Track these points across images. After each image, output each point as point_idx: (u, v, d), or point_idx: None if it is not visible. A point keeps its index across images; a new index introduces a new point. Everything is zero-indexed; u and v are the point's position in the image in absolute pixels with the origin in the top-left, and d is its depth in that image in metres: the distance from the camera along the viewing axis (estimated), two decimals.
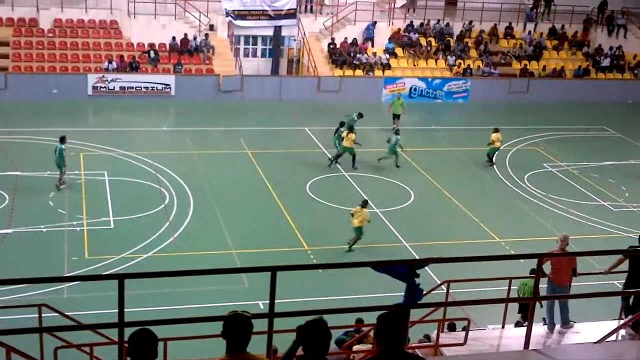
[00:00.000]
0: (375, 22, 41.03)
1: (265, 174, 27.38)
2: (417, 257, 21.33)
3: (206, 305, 17.79)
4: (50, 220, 22.47)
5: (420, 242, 22.84)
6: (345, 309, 8.71)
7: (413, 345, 12.86)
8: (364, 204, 22.32)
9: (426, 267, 16.77)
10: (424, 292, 10.20)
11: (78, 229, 22.09)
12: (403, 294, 9.88)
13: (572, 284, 12.85)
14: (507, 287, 14.54)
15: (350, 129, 28.75)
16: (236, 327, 6.21)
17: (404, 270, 9.86)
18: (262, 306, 17.77)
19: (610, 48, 43.82)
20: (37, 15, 37.79)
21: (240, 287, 18.93)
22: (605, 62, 43.02)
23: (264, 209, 24.67)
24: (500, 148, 29.87)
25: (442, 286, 15.21)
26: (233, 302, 17.81)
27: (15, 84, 34.61)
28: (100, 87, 35.51)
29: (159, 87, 36.31)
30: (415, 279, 9.80)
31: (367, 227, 22.50)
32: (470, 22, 43.13)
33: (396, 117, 34.04)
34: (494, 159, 29.85)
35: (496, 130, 29.63)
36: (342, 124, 28.96)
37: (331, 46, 40.39)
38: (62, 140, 25.20)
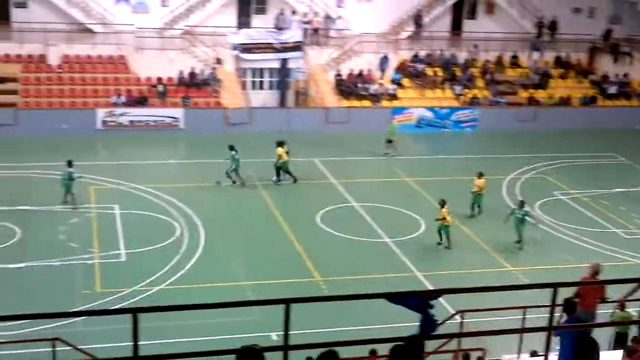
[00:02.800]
0: (386, 56, 41.23)
1: (275, 206, 27.41)
2: (430, 287, 21.27)
3: (219, 337, 17.72)
4: (62, 253, 22.49)
5: (432, 272, 22.77)
6: (359, 341, 8.65)
7: None
8: (443, 203, 24.37)
9: (439, 298, 16.70)
10: (439, 323, 10.17)
11: (89, 262, 22.11)
12: (418, 324, 9.84)
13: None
14: (521, 316, 14.49)
15: (281, 145, 29.76)
16: None
17: (418, 301, 9.85)
18: (275, 337, 17.71)
19: (616, 75, 43.94)
20: (45, 51, 38.13)
21: (253, 319, 18.85)
22: (612, 90, 43.11)
23: (275, 240, 24.67)
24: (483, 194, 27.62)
25: (456, 316, 15.18)
26: (246, 334, 17.74)
27: (25, 119, 34.85)
28: (110, 121, 35.74)
29: (168, 120, 36.52)
30: (429, 309, 9.78)
31: (377, 258, 22.60)
32: (476, 46, 43.37)
33: (389, 142, 34.34)
34: (480, 207, 27.64)
35: (481, 175, 27.35)
36: (231, 148, 29.23)
37: (338, 77, 40.61)
38: (70, 164, 26.17)
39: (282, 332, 7.29)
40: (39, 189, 27.90)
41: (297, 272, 22.29)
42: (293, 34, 40.30)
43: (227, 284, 21.23)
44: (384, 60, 41.16)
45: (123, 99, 36.52)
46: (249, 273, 22.03)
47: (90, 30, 40.39)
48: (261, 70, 40.90)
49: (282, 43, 40.12)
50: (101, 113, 35.77)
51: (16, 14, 40.37)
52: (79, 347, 13.58)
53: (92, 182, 28.66)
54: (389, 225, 26.20)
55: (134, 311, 7.03)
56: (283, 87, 40.58)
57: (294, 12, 41.73)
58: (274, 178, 29.85)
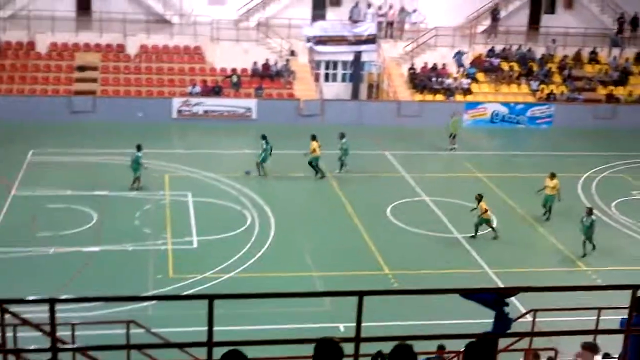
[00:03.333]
0: (460, 52, 40.77)
1: (345, 197, 27.42)
2: (500, 285, 21.00)
3: (288, 326, 17.83)
4: (136, 239, 22.98)
5: (503, 269, 22.42)
6: (432, 336, 8.59)
7: None
8: (480, 198, 24.38)
9: (514, 296, 16.46)
10: (513, 320, 10.03)
11: (162, 247, 22.51)
12: (492, 321, 9.73)
13: None
14: (595, 317, 14.14)
15: (314, 138, 29.32)
16: (328, 353, 6.22)
17: (493, 298, 9.73)
18: (342, 329, 17.74)
19: None
20: (124, 40, 38.93)
21: (321, 309, 18.91)
22: None
23: (345, 232, 24.68)
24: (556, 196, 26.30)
25: (527, 315, 14.92)
26: (314, 324, 17.88)
27: (103, 107, 35.68)
28: (184, 110, 36.30)
29: (241, 110, 36.88)
30: (504, 307, 9.67)
31: (448, 253, 22.48)
32: (554, 41, 42.55)
33: (452, 136, 34.13)
34: (551, 209, 26.35)
35: (553, 176, 26.09)
36: (263, 137, 29.61)
37: (411, 71, 40.35)
38: (139, 148, 26.87)
39: (350, 324, 7.30)
40: (115, 175, 28.51)
41: (366, 265, 22.26)
42: (367, 27, 40.21)
43: (297, 274, 21.34)
44: (460, 55, 40.66)
45: (198, 88, 37.04)
46: (319, 263, 22.10)
47: (167, 21, 41.11)
48: (334, 62, 40.94)
49: (356, 36, 40.09)
50: (176, 102, 36.35)
51: (96, 4, 41.35)
52: (152, 330, 13.81)
53: (166, 169, 29.20)
54: (460, 220, 25.91)
55: (210, 297, 7.12)
56: (356, 80, 40.54)
57: (369, 5, 41.61)
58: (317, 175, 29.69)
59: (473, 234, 24.56)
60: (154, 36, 39.32)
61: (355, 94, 40.40)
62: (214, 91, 37.19)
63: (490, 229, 24.70)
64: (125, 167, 28.47)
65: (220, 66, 38.99)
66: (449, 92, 39.35)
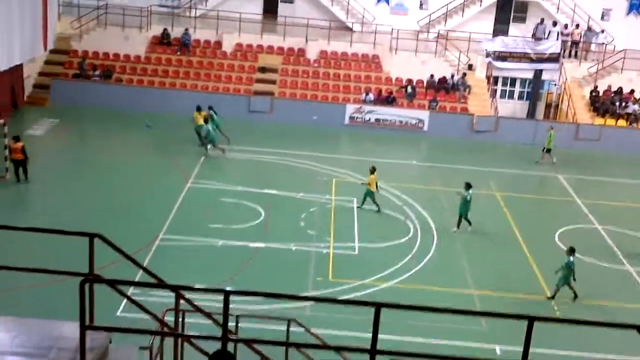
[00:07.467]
0: None
1: (513, 218, 26.76)
2: None
3: (442, 342, 17.65)
4: (300, 239, 23.47)
5: None
6: None
7: None
8: (373, 170, 25.88)
9: None
10: None
11: (324, 251, 22.85)
12: None
13: None
14: None
15: (199, 110, 31.65)
16: None
17: None
18: (498, 351, 17.37)
19: None
20: (305, 45, 39.93)
21: (477, 328, 18.58)
22: None
23: (509, 252, 24.08)
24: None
25: None
26: (470, 343, 17.60)
27: (279, 108, 36.76)
28: (357, 117, 36.74)
29: (413, 121, 36.86)
30: None
31: (617, 286, 21.40)
32: None
33: (548, 151, 33.28)
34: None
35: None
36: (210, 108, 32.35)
37: (593, 93, 38.81)
38: (207, 121, 31.10)
39: (506, 346, 7.14)
40: (285, 176, 29.34)
41: (528, 288, 21.59)
42: (551, 45, 39.10)
43: (455, 290, 21.04)
44: None
45: (372, 97, 37.39)
46: (479, 282, 21.68)
47: (349, 28, 41.82)
48: (513, 79, 40.11)
49: (538, 53, 39.09)
50: (350, 109, 36.86)
51: (283, 8, 42.76)
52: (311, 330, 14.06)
53: (334, 174, 29.66)
54: (634, 252, 24.63)
55: (378, 305, 7.18)
56: (534, 99, 39.51)
57: (554, 23, 40.42)
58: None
59: (359, 204, 26.12)
60: (334, 42, 40.09)
61: (532, 113, 39.36)
62: (388, 100, 37.40)
63: (374, 204, 25.89)
64: (296, 167, 29.23)
65: (396, 76, 39.17)
66: (632, 117, 37.50)
